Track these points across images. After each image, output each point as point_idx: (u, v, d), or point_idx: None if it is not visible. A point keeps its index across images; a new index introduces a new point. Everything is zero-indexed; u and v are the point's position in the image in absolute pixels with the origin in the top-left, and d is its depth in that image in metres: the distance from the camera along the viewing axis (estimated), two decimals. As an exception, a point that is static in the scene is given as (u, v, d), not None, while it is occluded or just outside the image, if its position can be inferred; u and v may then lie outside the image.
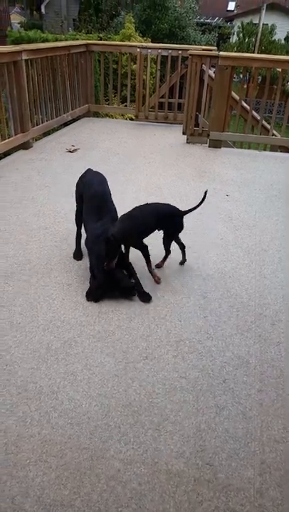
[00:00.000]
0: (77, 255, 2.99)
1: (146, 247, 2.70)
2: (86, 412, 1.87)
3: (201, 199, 2.89)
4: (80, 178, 2.97)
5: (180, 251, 2.94)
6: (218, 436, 1.80)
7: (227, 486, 1.62)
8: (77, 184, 2.96)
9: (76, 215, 2.97)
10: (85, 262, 2.92)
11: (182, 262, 2.96)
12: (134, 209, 2.74)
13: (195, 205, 2.89)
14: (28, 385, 1.99)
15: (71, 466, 1.66)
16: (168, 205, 2.84)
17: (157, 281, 2.76)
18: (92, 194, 2.80)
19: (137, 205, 2.77)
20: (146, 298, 2.60)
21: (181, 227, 2.84)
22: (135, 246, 2.71)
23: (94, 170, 3.02)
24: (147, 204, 2.81)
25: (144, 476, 1.64)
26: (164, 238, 2.82)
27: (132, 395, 1.96)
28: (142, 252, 2.71)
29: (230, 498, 1.58)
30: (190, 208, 2.85)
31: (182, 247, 2.94)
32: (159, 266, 2.92)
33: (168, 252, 2.87)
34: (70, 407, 1.89)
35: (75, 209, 2.97)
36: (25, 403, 1.90)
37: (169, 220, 2.79)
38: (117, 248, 2.53)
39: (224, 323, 2.44)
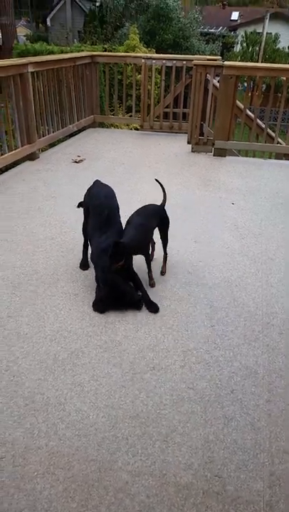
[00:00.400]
0: (84, 265, 3.00)
1: (148, 251, 2.79)
2: (93, 423, 1.87)
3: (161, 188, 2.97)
4: (88, 189, 2.99)
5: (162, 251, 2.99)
6: (226, 448, 1.79)
7: (236, 498, 1.60)
8: (85, 196, 2.98)
9: (83, 226, 2.98)
10: (92, 271, 2.92)
11: (165, 258, 2.99)
12: (138, 215, 2.76)
13: (163, 195, 2.95)
14: (35, 396, 1.99)
15: (79, 479, 1.65)
16: (154, 204, 2.91)
17: (153, 284, 2.80)
18: (98, 207, 2.80)
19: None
20: (153, 308, 2.59)
21: (169, 220, 2.92)
22: (143, 252, 2.75)
23: (101, 182, 3.03)
24: (143, 207, 2.85)
25: (153, 488, 1.63)
26: (162, 237, 2.91)
27: (139, 406, 1.95)
28: (146, 257, 2.75)
29: (239, 511, 1.56)
30: (162, 199, 2.94)
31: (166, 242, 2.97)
32: (163, 272, 2.94)
33: (166, 252, 2.95)
34: (77, 419, 1.89)
35: (83, 220, 2.98)
36: (33, 414, 1.90)
37: (163, 217, 2.88)
38: (124, 254, 2.54)
39: (231, 332, 2.43)
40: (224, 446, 1.79)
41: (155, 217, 2.83)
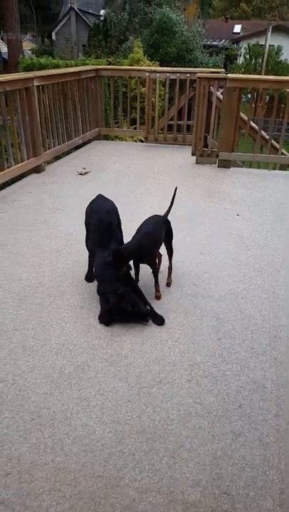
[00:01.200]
0: (90, 278, 2.99)
1: (156, 262, 2.79)
2: (100, 438, 1.85)
3: (171, 198, 3.04)
4: (89, 204, 2.99)
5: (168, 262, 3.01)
6: (234, 464, 1.76)
7: (245, 517, 1.57)
8: (86, 210, 2.99)
9: (86, 240, 2.98)
10: (96, 284, 2.93)
11: (170, 268, 3.01)
12: (146, 225, 2.79)
13: (169, 206, 3.01)
14: (41, 410, 1.97)
15: (85, 495, 1.63)
16: (158, 215, 2.94)
17: (159, 296, 2.80)
18: (97, 222, 2.80)
19: None
20: (159, 320, 2.58)
21: (172, 231, 2.96)
22: (149, 262, 2.75)
23: (104, 196, 3.03)
24: (152, 217, 2.88)
25: (160, 505, 1.60)
26: (167, 248, 2.95)
27: (146, 421, 1.93)
28: (153, 267, 2.75)
29: (249, 529, 1.53)
30: (167, 210, 3.00)
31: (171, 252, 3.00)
32: (169, 284, 2.94)
33: (171, 263, 2.98)
34: (83, 434, 1.87)
35: (85, 234, 2.99)
36: (39, 429, 1.89)
37: (169, 228, 2.92)
38: (124, 260, 2.56)
39: (238, 345, 2.41)
40: (232, 462, 1.77)
41: (163, 227, 2.86)
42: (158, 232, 2.82)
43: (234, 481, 1.69)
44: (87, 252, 3.01)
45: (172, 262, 2.98)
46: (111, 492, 1.65)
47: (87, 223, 2.94)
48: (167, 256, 2.96)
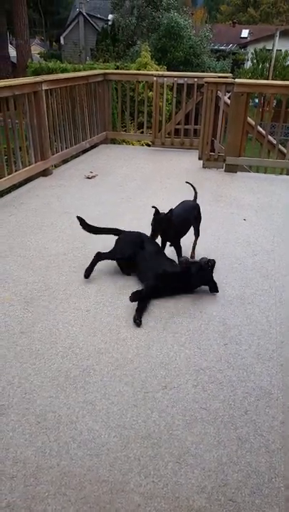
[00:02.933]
0: (88, 272, 3.06)
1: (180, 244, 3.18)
2: (105, 443, 1.85)
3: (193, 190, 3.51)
4: (135, 241, 3.10)
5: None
6: (240, 470, 1.75)
7: (251, 524, 1.56)
8: (129, 242, 3.11)
9: (110, 255, 3.10)
10: (102, 287, 2.95)
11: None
12: (178, 209, 3.19)
13: (194, 192, 3.48)
14: (47, 414, 1.97)
15: (90, 500, 1.63)
16: (190, 200, 3.40)
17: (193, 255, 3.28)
18: (143, 256, 3.03)
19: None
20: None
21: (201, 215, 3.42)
22: (174, 242, 3.14)
23: (129, 232, 3.21)
24: (183, 203, 3.33)
25: (165, 511, 1.60)
26: (195, 229, 3.34)
27: (151, 426, 1.92)
28: (176, 248, 3.14)
29: (254, 537, 1.52)
30: (194, 195, 3.47)
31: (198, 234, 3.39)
32: (193, 257, 3.30)
33: (196, 243, 3.37)
34: (89, 438, 1.87)
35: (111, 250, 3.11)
36: (44, 433, 1.89)
37: (198, 212, 3.37)
38: (163, 224, 2.97)
39: (245, 351, 2.40)
40: (238, 469, 1.76)
41: (194, 211, 3.31)
42: (189, 215, 3.25)
43: (240, 488, 1.69)
44: (93, 255, 3.03)
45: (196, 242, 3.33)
46: (116, 497, 1.64)
47: (129, 253, 3.07)
48: (194, 236, 3.33)
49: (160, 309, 2.74)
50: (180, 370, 2.25)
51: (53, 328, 2.55)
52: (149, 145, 7.12)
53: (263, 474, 1.74)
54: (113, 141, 7.26)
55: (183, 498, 1.65)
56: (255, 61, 23.53)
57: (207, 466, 1.76)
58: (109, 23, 22.94)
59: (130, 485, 1.69)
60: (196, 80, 6.19)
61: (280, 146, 5.83)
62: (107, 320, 2.63)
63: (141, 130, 7.41)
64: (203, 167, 5.78)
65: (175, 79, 6.27)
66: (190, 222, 3.27)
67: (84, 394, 2.09)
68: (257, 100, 6.56)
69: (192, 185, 3.48)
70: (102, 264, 3.21)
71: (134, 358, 2.33)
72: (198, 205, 3.37)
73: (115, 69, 9.60)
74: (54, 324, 2.59)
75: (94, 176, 5.30)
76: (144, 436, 1.88)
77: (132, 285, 2.99)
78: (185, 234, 3.25)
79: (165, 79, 6.28)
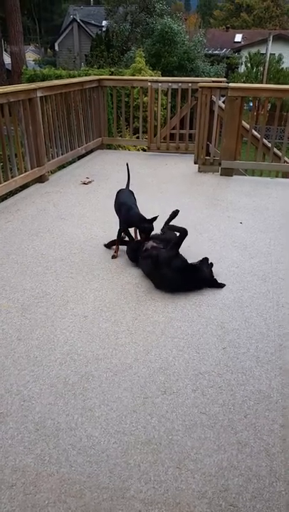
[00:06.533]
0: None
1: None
2: (105, 449, 1.84)
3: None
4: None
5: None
6: (241, 475, 1.75)
7: (253, 529, 1.56)
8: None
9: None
10: (100, 293, 2.95)
11: None
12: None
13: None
14: (45, 421, 1.97)
15: (91, 507, 1.62)
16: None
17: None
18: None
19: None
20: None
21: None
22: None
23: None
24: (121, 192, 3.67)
25: (166, 518, 1.59)
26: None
27: (151, 431, 1.92)
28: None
29: None
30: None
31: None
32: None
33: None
34: (88, 445, 1.86)
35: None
36: (44, 440, 1.88)
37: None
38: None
39: (243, 354, 2.39)
40: (238, 473, 1.75)
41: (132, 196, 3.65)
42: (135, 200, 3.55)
43: (240, 492, 1.68)
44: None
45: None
46: (116, 504, 1.63)
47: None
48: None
49: (158, 314, 2.73)
50: (179, 374, 2.25)
51: (51, 334, 2.55)
52: (144, 150, 7.14)
53: (264, 478, 1.73)
54: (109, 147, 7.27)
55: (184, 503, 1.64)
56: (249, 65, 23.69)
57: (207, 471, 1.76)
58: (104, 29, 23.06)
59: (130, 491, 1.68)
60: (190, 84, 6.22)
61: (275, 149, 5.86)
62: (105, 326, 2.63)
63: (136, 135, 7.43)
64: (199, 171, 5.80)
65: (169, 84, 6.29)
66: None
67: (83, 400, 2.08)
68: (251, 104, 6.59)
69: (128, 170, 3.90)
70: (100, 270, 3.22)
71: (133, 363, 2.32)
72: (131, 190, 3.70)
73: (110, 75, 9.65)
74: (52, 331, 2.58)
75: (90, 182, 5.31)
76: (144, 441, 1.87)
77: (130, 291, 2.99)
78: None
79: (160, 84, 6.30)
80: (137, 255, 3.27)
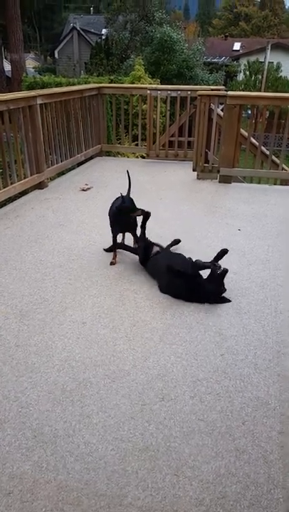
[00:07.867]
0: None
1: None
2: (102, 456, 1.84)
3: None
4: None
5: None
6: (238, 482, 1.74)
7: (250, 537, 1.55)
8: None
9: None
10: (98, 300, 2.95)
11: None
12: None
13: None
14: (43, 428, 1.96)
15: (88, 515, 1.61)
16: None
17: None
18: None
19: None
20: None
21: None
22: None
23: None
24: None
25: (164, 525, 1.58)
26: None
27: (148, 438, 1.91)
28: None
29: None
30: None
31: None
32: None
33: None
34: (86, 451, 1.85)
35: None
36: (41, 447, 1.87)
37: None
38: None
39: (241, 361, 2.40)
40: (236, 480, 1.75)
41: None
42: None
43: (238, 500, 1.67)
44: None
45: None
46: (114, 511, 1.63)
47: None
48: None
49: (156, 321, 2.74)
50: (177, 381, 2.25)
51: (49, 340, 2.55)
52: (143, 157, 7.18)
53: (262, 485, 1.73)
54: (108, 154, 7.31)
55: (181, 511, 1.63)
56: (247, 73, 23.87)
57: (205, 478, 1.75)
58: (103, 37, 23.24)
59: (128, 498, 1.67)
60: (189, 92, 6.27)
61: (273, 157, 5.89)
62: (104, 332, 2.63)
63: (135, 142, 7.47)
64: (198, 178, 5.82)
65: (168, 92, 6.34)
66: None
67: (80, 407, 2.07)
68: (250, 111, 6.64)
69: (129, 177, 3.86)
70: (98, 276, 3.23)
71: (131, 370, 2.32)
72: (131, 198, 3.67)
73: (109, 82, 9.72)
74: (50, 337, 2.58)
75: (89, 188, 5.33)
76: (142, 448, 1.87)
77: (128, 297, 2.99)
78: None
79: (159, 92, 6.35)
80: (148, 256, 3.34)
